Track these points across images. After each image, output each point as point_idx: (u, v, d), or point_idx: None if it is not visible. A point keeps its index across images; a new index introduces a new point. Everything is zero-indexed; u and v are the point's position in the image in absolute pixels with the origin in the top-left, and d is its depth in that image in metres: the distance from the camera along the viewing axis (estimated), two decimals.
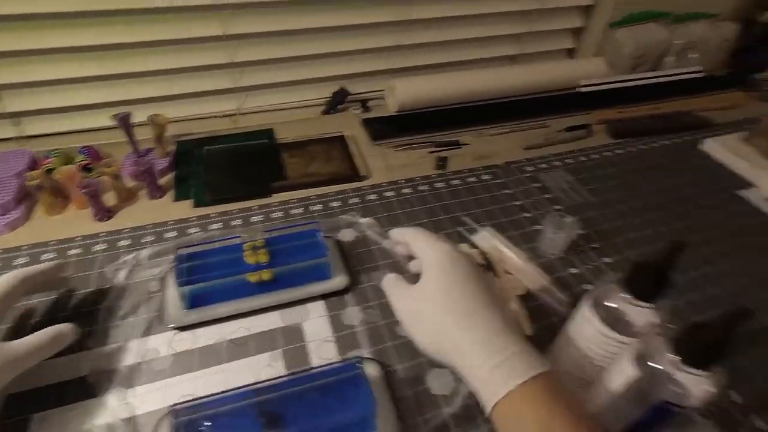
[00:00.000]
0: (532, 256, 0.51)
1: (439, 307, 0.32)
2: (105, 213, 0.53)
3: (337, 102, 0.76)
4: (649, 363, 0.29)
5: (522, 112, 0.78)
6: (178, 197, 0.57)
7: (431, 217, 0.56)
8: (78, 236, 0.51)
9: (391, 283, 0.37)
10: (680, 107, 0.82)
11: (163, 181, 0.59)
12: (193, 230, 0.53)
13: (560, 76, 0.84)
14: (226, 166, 0.62)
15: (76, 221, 0.53)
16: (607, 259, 0.53)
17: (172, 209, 0.56)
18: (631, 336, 0.32)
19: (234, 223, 0.54)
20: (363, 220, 0.54)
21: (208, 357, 0.40)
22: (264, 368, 0.40)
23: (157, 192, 0.57)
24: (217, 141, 0.67)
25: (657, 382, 0.29)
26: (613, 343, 0.32)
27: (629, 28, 0.85)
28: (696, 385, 0.28)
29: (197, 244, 0.47)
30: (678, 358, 0.28)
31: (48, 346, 0.36)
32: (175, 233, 0.52)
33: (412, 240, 0.37)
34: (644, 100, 0.82)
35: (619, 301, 0.32)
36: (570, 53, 0.94)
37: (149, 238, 0.51)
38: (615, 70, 0.87)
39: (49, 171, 0.53)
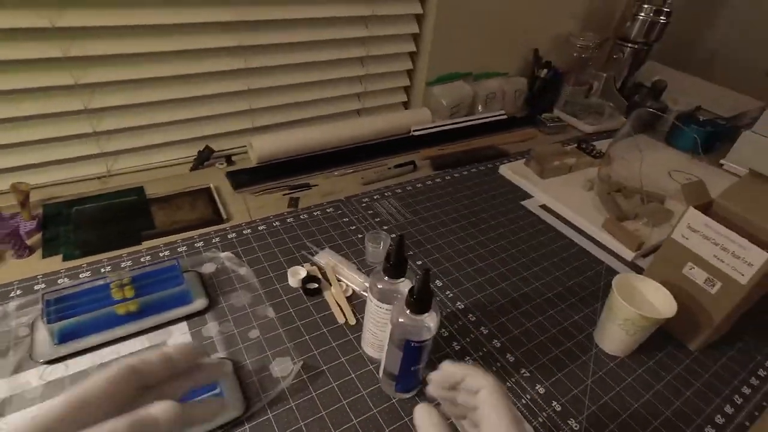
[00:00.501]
0: (359, 267, 0.66)
1: None
2: None
3: (204, 159, 0.87)
4: (397, 318, 0.44)
5: (364, 155, 0.96)
6: (47, 254, 0.63)
7: (280, 246, 0.69)
8: None
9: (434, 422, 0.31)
10: (487, 142, 1.07)
11: (30, 241, 0.65)
12: (62, 280, 0.59)
13: (396, 124, 1.04)
14: (96, 222, 0.69)
15: None
16: (419, 262, 0.70)
17: (40, 265, 0.62)
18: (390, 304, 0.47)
19: (104, 270, 0.62)
20: (222, 254, 0.65)
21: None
22: None
23: (23, 251, 0.62)
24: (86, 201, 0.73)
25: (404, 330, 0.44)
26: (383, 311, 0.47)
27: (442, 85, 1.10)
28: (425, 325, 0.43)
29: (64, 288, 0.54)
30: (407, 310, 0.43)
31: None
32: (43, 285, 0.58)
33: (468, 373, 0.35)
34: (460, 139, 1.06)
35: (383, 282, 0.47)
36: (405, 105, 1.16)
37: (17, 292, 0.57)
38: (438, 117, 1.11)
39: None
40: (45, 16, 0.65)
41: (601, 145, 1.07)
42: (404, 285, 0.47)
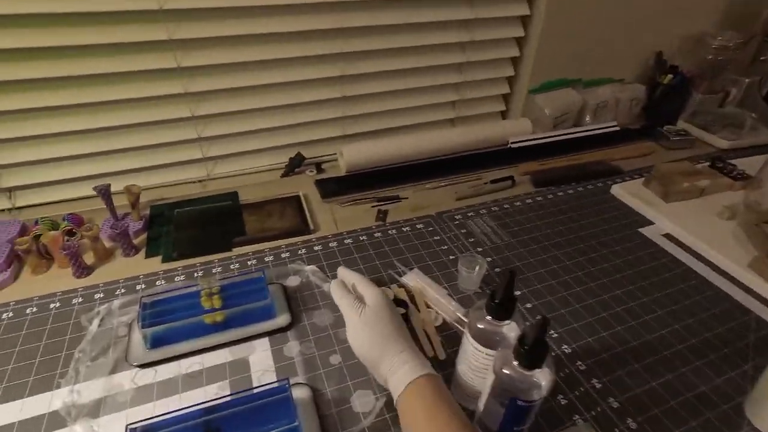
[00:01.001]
0: (450, 293, 0.60)
1: (374, 331, 0.44)
2: (83, 270, 0.62)
3: (295, 166, 0.87)
4: (501, 369, 0.38)
5: (457, 168, 0.89)
6: (149, 254, 0.66)
7: (367, 263, 0.65)
8: (58, 292, 0.59)
9: (344, 300, 0.47)
10: (597, 157, 0.95)
11: (137, 240, 0.68)
12: (159, 282, 0.61)
13: (492, 134, 0.97)
14: (194, 225, 0.71)
15: (58, 279, 0.61)
16: (517, 292, 0.62)
17: (143, 265, 0.64)
18: (495, 349, 0.41)
19: (197, 274, 0.63)
20: (307, 268, 0.63)
21: (166, 388, 0.48)
22: (215, 395, 0.47)
23: (131, 250, 0.65)
24: (187, 204, 0.76)
25: (509, 384, 0.37)
26: (483, 355, 0.41)
27: (547, 93, 1.00)
28: (533, 383, 0.36)
29: (160, 293, 0.55)
30: (517, 363, 0.36)
31: None
32: (143, 286, 0.60)
33: (356, 281, 0.49)
34: (565, 153, 0.95)
35: (485, 322, 0.41)
36: (503, 115, 1.08)
37: (121, 291, 0.59)
38: (539, 129, 1.01)
39: (37, 237, 0.61)
40: (162, 29, 0.69)
41: (741, 164, 0.90)
42: (510, 329, 0.41)
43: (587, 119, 1.05)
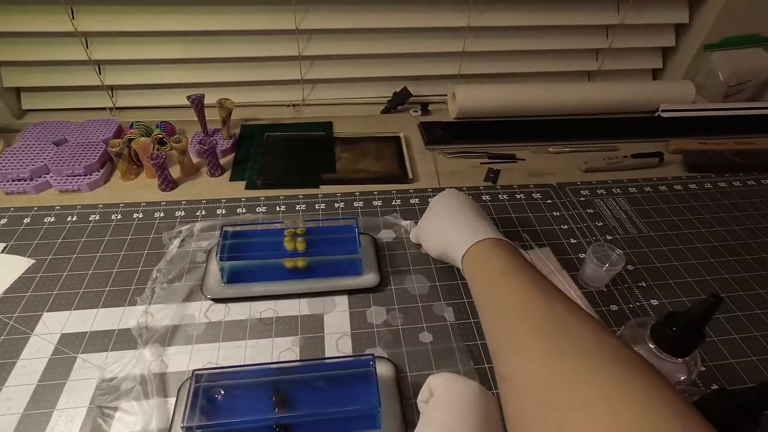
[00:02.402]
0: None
1: (448, 210, 0.45)
2: (168, 184, 0.58)
3: (398, 102, 0.76)
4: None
5: (588, 132, 0.74)
6: (234, 177, 0.61)
7: None
8: (143, 202, 0.56)
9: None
10: None
11: (224, 160, 0.64)
12: (240, 210, 0.56)
13: (640, 97, 0.78)
14: (283, 152, 0.65)
15: (143, 189, 0.59)
16: (654, 302, 0.49)
17: (226, 188, 0.60)
18: None
19: (279, 209, 0.57)
20: (404, 222, 0.55)
21: (236, 331, 0.43)
22: (283, 351, 0.42)
23: (216, 170, 0.61)
24: (278, 128, 0.70)
25: None
26: None
27: (727, 51, 0.77)
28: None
29: (242, 224, 0.50)
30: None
31: None
32: (224, 211, 0.56)
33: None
34: (732, 133, 0.74)
35: (645, 351, 0.30)
36: (655, 74, 0.87)
37: (202, 213, 0.55)
38: (705, 97, 0.80)
39: (129, 141, 0.59)
40: None
41: None
42: (681, 368, 0.29)
43: None
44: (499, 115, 0.75)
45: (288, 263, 0.47)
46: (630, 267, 0.52)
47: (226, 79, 0.73)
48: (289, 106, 0.77)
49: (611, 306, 0.48)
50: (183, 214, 0.55)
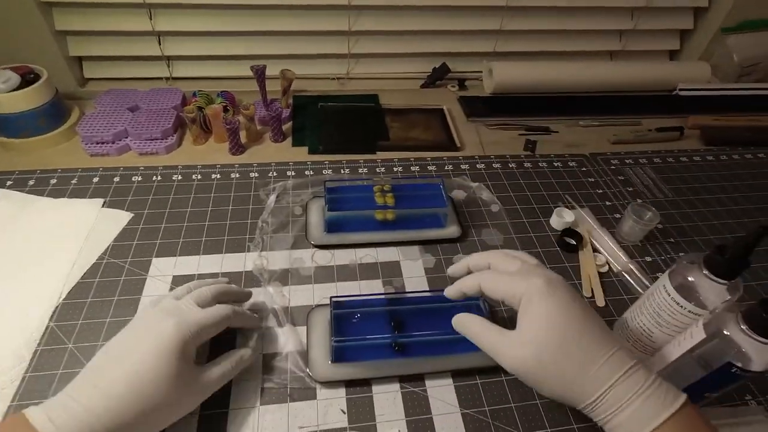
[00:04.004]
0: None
1: (561, 350, 0.31)
2: (239, 148, 0.63)
3: (437, 77, 0.81)
4: (720, 330, 0.34)
5: (614, 108, 0.80)
6: (296, 143, 0.66)
7: (518, 191, 0.61)
8: (217, 164, 0.61)
9: (484, 330, 0.35)
10: None
11: (284, 128, 0.68)
12: (308, 173, 0.61)
13: (659, 77, 0.84)
14: (337, 121, 0.70)
15: (215, 152, 0.63)
16: (682, 254, 0.56)
17: (291, 153, 0.65)
18: (702, 308, 0.36)
19: (343, 171, 0.62)
20: (474, 184, 0.61)
21: (345, 272, 0.50)
22: (389, 290, 0.48)
23: (279, 136, 0.66)
24: (329, 99, 0.75)
25: (724, 347, 0.33)
26: (685, 312, 0.37)
27: (742, 35, 0.83)
28: (759, 353, 0.32)
29: (338, 180, 0.56)
30: (747, 326, 0.32)
31: (231, 371, 0.38)
32: (293, 173, 0.61)
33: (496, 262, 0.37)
34: (744, 111, 0.81)
35: (698, 277, 0.36)
36: (672, 55, 0.93)
37: (273, 174, 0.60)
38: (719, 77, 0.86)
39: (200, 108, 0.63)
40: None
41: None
42: (723, 291, 0.36)
43: None
44: (532, 90, 0.80)
45: (379, 215, 0.52)
46: (659, 226, 0.59)
47: (275, 51, 0.77)
48: (334, 79, 0.81)
49: (646, 257, 0.55)
50: (275, 174, 0.60)
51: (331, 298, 0.42)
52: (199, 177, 0.59)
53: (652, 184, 0.66)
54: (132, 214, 0.53)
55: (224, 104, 0.66)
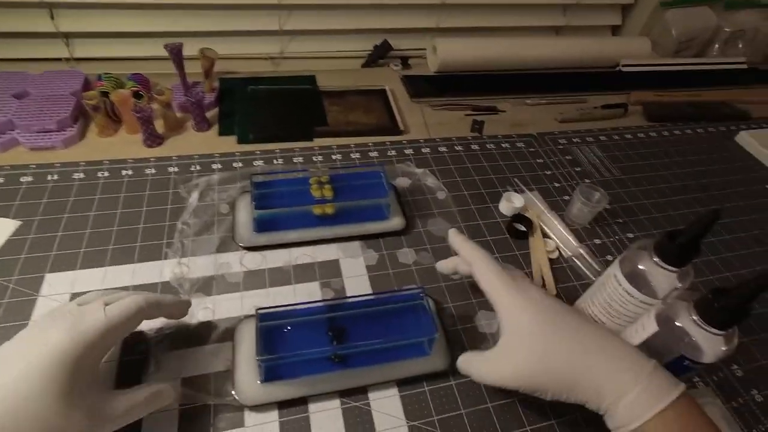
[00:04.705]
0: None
1: (563, 332, 0.31)
2: (155, 139, 0.55)
3: (379, 56, 0.76)
4: (672, 320, 0.32)
5: (560, 86, 0.78)
6: (223, 132, 0.59)
7: (465, 176, 0.58)
8: (130, 159, 0.53)
9: (471, 361, 0.35)
10: (720, 97, 0.81)
11: (209, 115, 0.61)
12: (236, 164, 0.55)
13: (603, 52, 0.83)
14: (270, 106, 0.63)
15: (126, 145, 0.55)
16: (630, 235, 0.55)
17: (216, 143, 0.58)
18: (652, 297, 0.34)
19: (276, 161, 0.56)
20: (419, 170, 0.57)
21: (278, 276, 0.44)
22: (327, 293, 0.44)
23: (203, 125, 0.59)
24: (260, 82, 0.68)
25: (676, 339, 0.31)
26: (637, 302, 0.35)
27: (680, 9, 0.83)
28: (711, 344, 0.31)
29: (267, 173, 0.49)
30: (698, 318, 0.30)
31: (143, 406, 0.31)
32: (219, 165, 0.54)
33: (479, 273, 0.36)
34: (684, 86, 0.82)
35: (649, 265, 0.34)
36: (615, 30, 0.92)
37: (196, 168, 0.53)
38: (658, 52, 0.86)
39: (104, 93, 0.54)
40: None
41: None
42: (674, 278, 0.34)
43: (715, 50, 0.89)
44: (477, 68, 0.77)
45: (317, 210, 0.47)
46: (608, 206, 0.58)
47: (197, 28, 0.68)
48: (266, 59, 0.74)
49: (595, 240, 0.53)
50: (199, 168, 0.53)
51: (257, 309, 0.37)
52: (107, 174, 0.51)
53: (599, 163, 0.64)
54: (20, 223, 0.45)
55: (136, 89, 0.58)
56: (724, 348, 0.30)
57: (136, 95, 0.57)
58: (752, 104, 0.81)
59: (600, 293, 0.38)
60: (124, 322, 0.30)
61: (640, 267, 0.35)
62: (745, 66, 0.89)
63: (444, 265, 0.42)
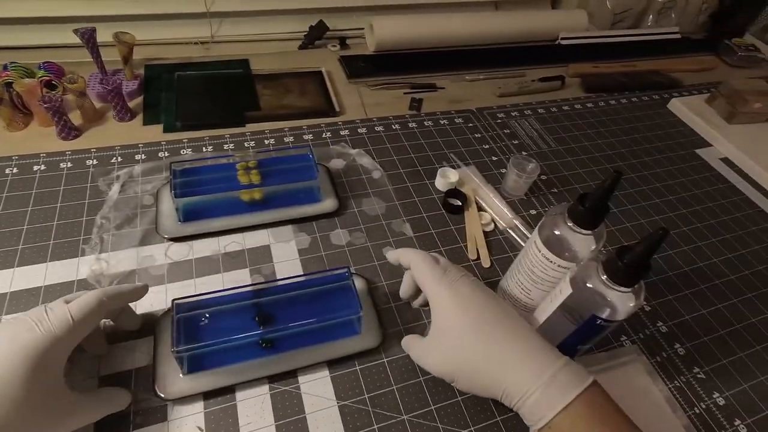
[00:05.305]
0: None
1: (467, 341, 0.31)
2: (70, 131, 0.52)
3: (315, 37, 0.74)
4: (584, 282, 0.32)
5: (499, 61, 0.78)
6: (148, 121, 0.57)
7: (402, 154, 0.57)
8: (42, 153, 0.50)
9: (410, 344, 0.36)
10: (653, 66, 0.84)
11: (132, 104, 0.58)
12: (162, 154, 0.52)
13: (542, 26, 0.84)
14: (199, 92, 0.61)
15: (39, 139, 0.52)
16: (564, 204, 0.56)
17: (141, 132, 0.55)
18: (572, 261, 0.35)
19: (205, 149, 0.54)
20: (353, 151, 0.55)
21: (206, 266, 0.43)
22: (257, 279, 0.43)
23: (125, 114, 0.56)
24: (189, 67, 0.65)
25: (589, 300, 0.32)
26: (555, 266, 0.36)
27: None
28: (620, 302, 0.31)
29: (191, 160, 0.47)
30: (606, 276, 0.31)
31: (105, 406, 0.32)
32: (143, 156, 0.52)
33: (415, 273, 0.36)
34: (620, 57, 0.83)
35: (565, 230, 0.35)
36: (553, 4, 0.93)
37: (118, 159, 0.51)
38: (595, 25, 0.88)
39: (9, 84, 0.51)
40: None
41: None
42: (589, 240, 0.35)
43: (649, 21, 0.91)
44: (417, 46, 0.76)
45: (245, 196, 0.46)
46: (543, 177, 0.59)
47: (117, 11, 0.65)
48: (196, 43, 0.71)
49: (531, 211, 0.54)
50: (121, 160, 0.51)
51: (173, 300, 0.35)
52: (15, 171, 0.48)
53: (537, 135, 0.65)
54: None
55: (47, 78, 0.54)
56: (632, 304, 0.31)
57: (50, 85, 0.54)
58: (684, 72, 0.84)
59: (524, 261, 0.39)
60: (87, 316, 0.30)
61: (556, 233, 0.35)
62: (678, 36, 0.92)
63: (405, 292, 0.39)
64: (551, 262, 0.36)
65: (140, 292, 0.36)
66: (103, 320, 0.37)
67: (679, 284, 0.49)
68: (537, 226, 0.37)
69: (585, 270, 0.33)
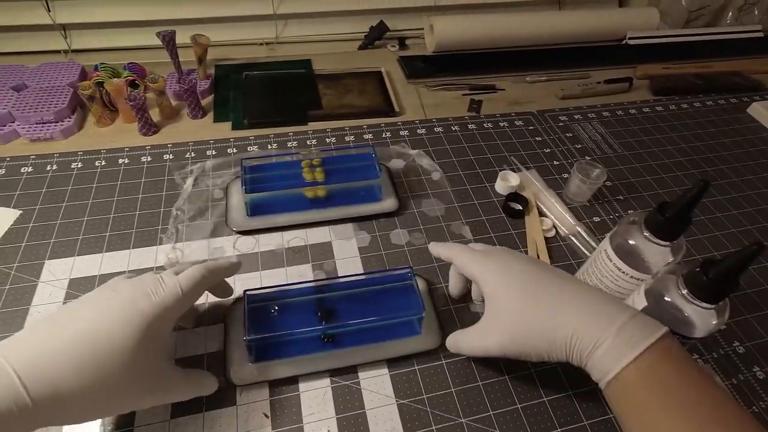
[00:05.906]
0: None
1: (527, 305, 0.31)
2: (150, 128, 0.56)
3: (375, 37, 0.75)
4: (662, 296, 0.31)
5: (562, 61, 0.76)
6: (218, 119, 0.60)
7: (461, 156, 0.57)
8: (126, 147, 0.54)
9: (459, 338, 0.36)
10: (732, 68, 0.78)
11: (204, 102, 0.61)
12: (231, 150, 0.55)
13: (608, 25, 0.80)
14: (264, 92, 0.63)
15: (123, 134, 0.56)
16: (631, 212, 0.54)
17: (211, 129, 0.58)
18: (645, 273, 0.34)
19: (270, 146, 0.56)
20: (413, 151, 0.56)
21: (271, 259, 0.45)
22: (319, 274, 0.44)
23: (198, 112, 0.59)
24: (255, 67, 0.68)
25: (665, 314, 0.31)
26: (627, 277, 0.34)
27: None
28: (701, 318, 0.30)
29: (258, 157, 0.49)
30: (687, 292, 0.29)
31: (195, 388, 0.33)
32: (214, 152, 0.55)
33: (457, 263, 0.36)
34: (694, 58, 0.79)
35: (640, 240, 0.33)
36: (622, 2, 0.89)
37: (192, 155, 0.54)
38: (667, 23, 0.83)
39: (100, 83, 0.55)
40: None
41: None
42: (667, 252, 0.33)
43: (728, 19, 0.85)
44: (477, 46, 0.75)
45: (309, 193, 0.48)
46: (608, 183, 0.56)
47: (190, 15, 0.68)
48: (261, 44, 0.74)
49: (594, 218, 0.52)
50: (194, 155, 0.54)
51: (245, 291, 0.37)
52: (104, 163, 0.52)
53: (601, 140, 0.63)
54: (20, 212, 0.46)
55: (131, 78, 0.58)
56: (714, 322, 0.30)
57: (133, 84, 0.58)
58: (766, 74, 0.78)
59: (592, 269, 0.38)
60: (194, 288, 0.32)
61: (631, 242, 0.34)
62: (761, 35, 0.85)
63: (453, 286, 0.40)
64: (624, 272, 0.34)
65: (235, 267, 0.38)
66: None
67: (760, 303, 0.46)
68: (608, 235, 0.36)
69: (663, 282, 0.31)
